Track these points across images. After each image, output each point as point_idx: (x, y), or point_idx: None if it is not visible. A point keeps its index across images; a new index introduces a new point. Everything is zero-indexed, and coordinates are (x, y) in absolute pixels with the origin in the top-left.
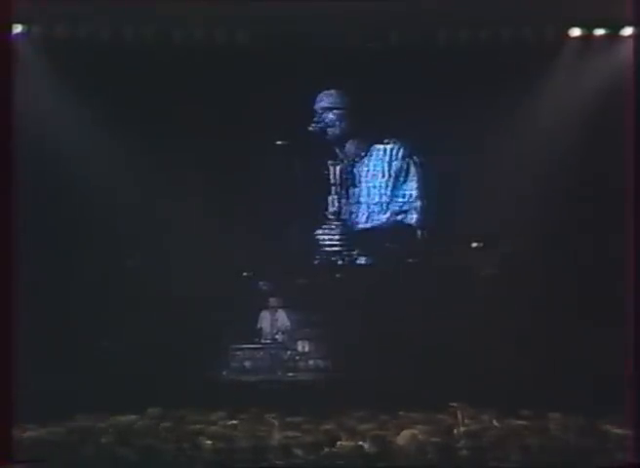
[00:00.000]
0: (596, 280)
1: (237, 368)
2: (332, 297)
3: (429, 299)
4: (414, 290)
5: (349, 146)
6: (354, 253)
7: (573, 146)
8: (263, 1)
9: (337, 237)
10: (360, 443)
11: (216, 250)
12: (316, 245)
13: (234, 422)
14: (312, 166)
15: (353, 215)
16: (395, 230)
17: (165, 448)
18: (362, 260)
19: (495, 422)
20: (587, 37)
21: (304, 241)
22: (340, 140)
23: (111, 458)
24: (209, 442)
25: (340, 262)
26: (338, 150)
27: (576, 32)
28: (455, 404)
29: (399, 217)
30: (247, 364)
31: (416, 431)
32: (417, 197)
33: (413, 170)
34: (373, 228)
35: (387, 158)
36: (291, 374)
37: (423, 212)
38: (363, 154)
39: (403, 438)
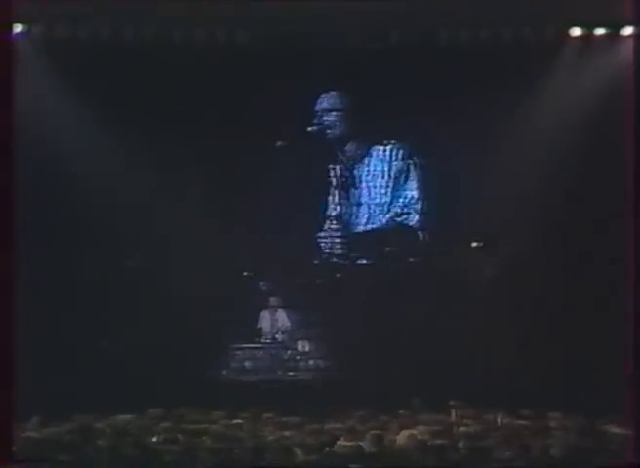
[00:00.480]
0: (596, 280)
1: (237, 367)
2: (332, 297)
3: (429, 300)
4: (414, 290)
5: (350, 147)
6: (354, 253)
7: (573, 146)
8: (264, 1)
9: (337, 237)
10: (360, 443)
11: (216, 250)
12: (316, 245)
13: (234, 422)
14: (313, 166)
15: (353, 216)
16: (395, 231)
17: (165, 448)
18: (362, 261)
19: (499, 421)
20: (588, 37)
21: (305, 241)
22: (341, 141)
23: (111, 458)
24: (209, 441)
25: (340, 263)
26: (338, 151)
27: (576, 32)
28: (452, 404)
29: (399, 218)
30: (247, 363)
31: (415, 431)
32: (417, 198)
33: (413, 170)
34: (373, 229)
35: (388, 159)
36: (291, 374)
37: (424, 212)
38: (363, 155)
39: (402, 438)
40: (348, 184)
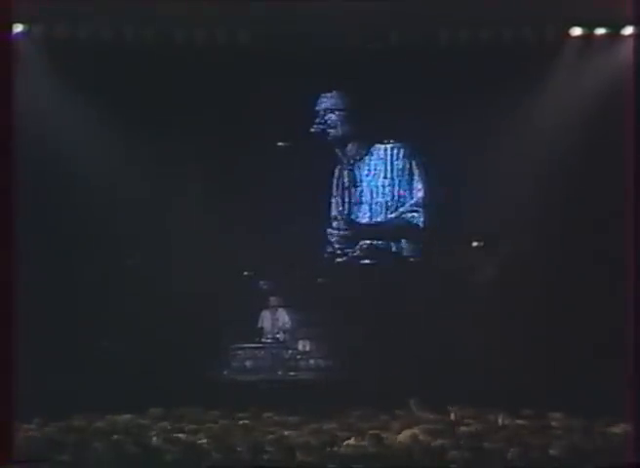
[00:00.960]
0: (597, 280)
1: (238, 367)
2: (333, 297)
3: (431, 299)
4: (415, 289)
5: (351, 147)
6: (355, 252)
7: (574, 146)
8: (264, 1)
9: (338, 237)
10: (361, 442)
11: (217, 249)
12: (317, 244)
13: (235, 421)
14: (314, 166)
15: (355, 216)
16: (397, 230)
17: (165, 448)
18: (363, 260)
19: (500, 420)
20: (588, 36)
21: (306, 241)
22: (342, 141)
23: (112, 458)
24: (209, 441)
25: (341, 262)
26: (339, 151)
27: (576, 32)
28: (452, 405)
29: (401, 218)
30: (248, 363)
31: (416, 431)
32: (418, 197)
33: (414, 170)
34: (375, 228)
35: (389, 158)
36: (292, 374)
37: (425, 212)
38: (364, 155)
39: (404, 437)
40: (349, 184)
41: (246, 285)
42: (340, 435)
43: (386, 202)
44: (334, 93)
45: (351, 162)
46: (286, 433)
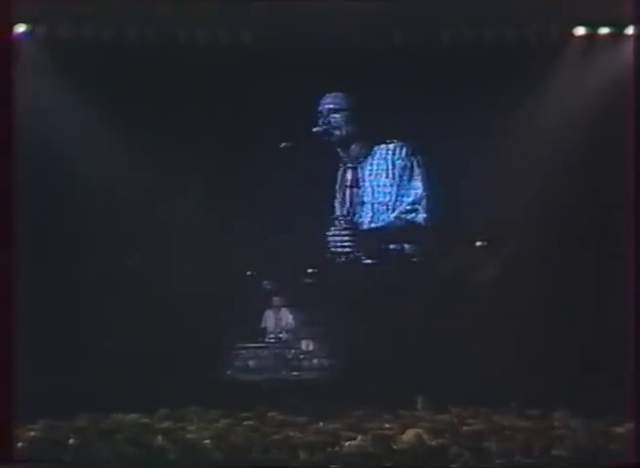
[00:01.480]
0: (600, 280)
1: (241, 367)
2: (336, 297)
3: (433, 299)
4: (418, 289)
5: (353, 147)
6: (358, 252)
7: (577, 146)
8: (267, 1)
9: (341, 237)
10: (364, 442)
11: (220, 249)
12: (321, 244)
13: (238, 421)
14: (316, 166)
15: (357, 216)
16: (399, 230)
17: (168, 448)
18: (366, 260)
19: (503, 420)
20: (592, 36)
21: (308, 240)
22: (345, 141)
23: (114, 458)
24: (213, 441)
25: (344, 262)
26: (342, 151)
27: (580, 31)
28: (452, 405)
29: (403, 217)
30: (251, 363)
31: (420, 430)
32: (421, 197)
33: (417, 170)
34: (377, 228)
35: (391, 158)
36: (295, 373)
37: (428, 211)
38: (367, 154)
39: (408, 437)
40: (352, 184)
41: (249, 285)
42: (343, 435)
43: (388, 202)
44: (336, 93)
45: (353, 162)
46: (289, 433)
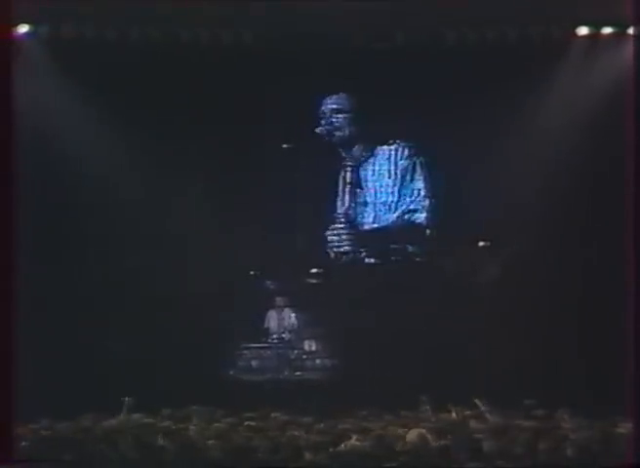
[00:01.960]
0: (603, 279)
1: (244, 367)
2: (339, 297)
3: (436, 299)
4: (421, 289)
5: (356, 147)
6: (361, 252)
7: (580, 146)
8: (269, 2)
9: (344, 237)
10: (368, 442)
11: (223, 249)
12: (323, 244)
13: (241, 421)
14: (319, 166)
15: (360, 216)
16: (402, 230)
17: (171, 448)
18: (369, 260)
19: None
20: (595, 36)
21: (311, 240)
22: (347, 142)
23: (117, 458)
24: (215, 441)
25: (346, 262)
26: (344, 151)
27: (583, 31)
28: (456, 405)
29: (406, 217)
30: (254, 363)
31: (424, 430)
32: (423, 197)
33: (419, 170)
34: (380, 228)
35: (393, 158)
36: (298, 373)
37: (430, 211)
38: (369, 155)
39: (412, 437)
40: (355, 184)
41: (252, 285)
42: (346, 435)
43: (392, 201)
44: (340, 94)
45: (356, 162)
46: (292, 433)
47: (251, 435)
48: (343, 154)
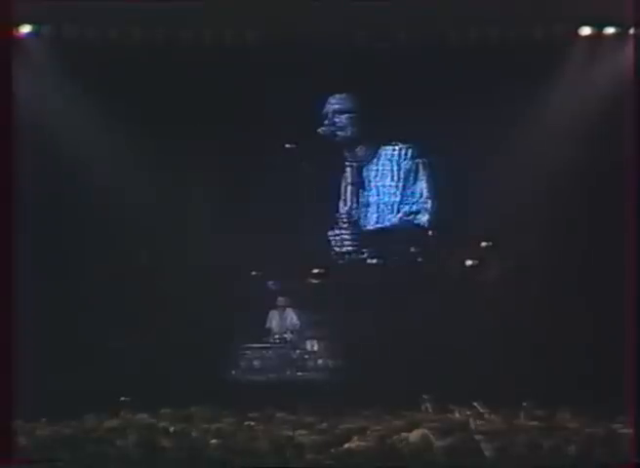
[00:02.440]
0: (602, 281)
1: (246, 367)
2: (341, 297)
3: (438, 299)
4: (423, 289)
5: (359, 148)
6: (364, 253)
7: (583, 146)
8: (274, 2)
9: (346, 237)
10: (370, 442)
11: (225, 249)
12: (326, 245)
13: (244, 421)
14: (322, 167)
15: (363, 216)
16: (405, 230)
17: (173, 447)
18: (372, 260)
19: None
20: (596, 36)
21: (314, 241)
22: (350, 142)
23: (120, 457)
24: (217, 441)
25: (349, 262)
26: (348, 152)
27: (585, 31)
28: (459, 405)
29: (409, 218)
30: (256, 363)
31: (427, 430)
32: (426, 197)
33: (422, 170)
34: (382, 228)
35: (397, 159)
36: (300, 374)
37: (433, 212)
38: (372, 156)
39: (415, 437)
40: (358, 184)
41: (254, 285)
42: (348, 435)
43: (395, 202)
44: (343, 95)
45: (359, 163)
46: (294, 433)
47: (253, 435)
48: (347, 155)
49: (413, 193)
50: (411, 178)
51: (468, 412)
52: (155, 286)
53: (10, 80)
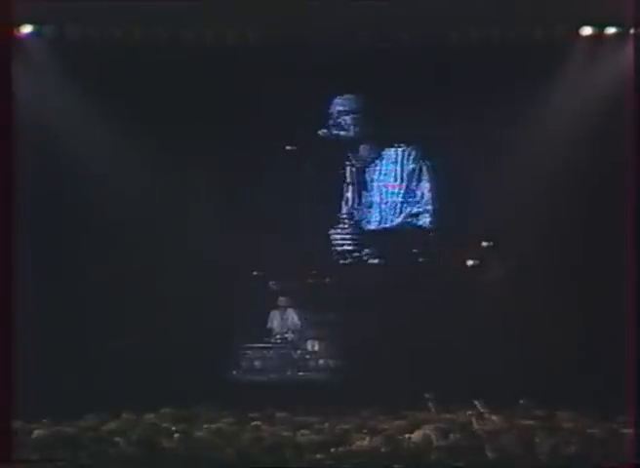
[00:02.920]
0: (602, 281)
1: (247, 367)
2: (342, 297)
3: (440, 299)
4: (424, 289)
5: (362, 149)
6: (366, 253)
7: (584, 146)
8: (276, 2)
9: (348, 237)
10: (371, 442)
11: (227, 249)
12: (327, 245)
13: (244, 421)
14: (325, 167)
15: (365, 217)
16: (407, 231)
17: (174, 447)
18: (373, 261)
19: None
20: (597, 36)
21: (316, 241)
22: (353, 143)
23: (121, 457)
24: (218, 441)
25: (350, 262)
26: (350, 153)
27: (586, 31)
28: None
29: (411, 219)
30: (257, 363)
31: (429, 430)
32: (429, 198)
33: (425, 172)
34: (385, 229)
35: (400, 160)
36: (301, 374)
37: (435, 213)
38: (376, 157)
39: (417, 437)
40: (360, 185)
41: (255, 285)
42: (349, 435)
43: (396, 204)
44: (346, 96)
45: (363, 163)
46: (295, 432)
47: (254, 435)
48: (350, 155)
49: (415, 194)
50: (414, 180)
51: (469, 412)
52: (155, 286)
53: (10, 80)
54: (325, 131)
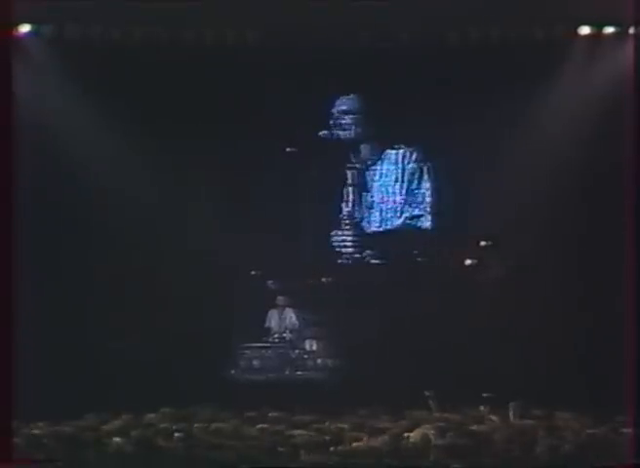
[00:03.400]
0: (602, 281)
1: (246, 366)
2: (341, 297)
3: (439, 300)
4: (424, 290)
5: (362, 150)
6: (365, 253)
7: (583, 145)
8: (277, 2)
9: (348, 238)
10: (370, 442)
11: (226, 249)
12: (327, 245)
13: (243, 421)
14: (325, 168)
15: (365, 218)
16: (407, 232)
17: (173, 447)
18: (373, 261)
19: (511, 415)
20: (596, 35)
21: (315, 241)
22: (354, 144)
23: (121, 457)
24: (217, 440)
25: (349, 262)
26: (351, 154)
27: (585, 31)
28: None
29: (411, 220)
30: (255, 362)
31: (427, 429)
32: (429, 199)
33: (425, 173)
34: (385, 230)
35: (400, 161)
36: (299, 373)
37: (435, 214)
38: (377, 158)
39: (415, 436)
40: (361, 186)
41: (253, 284)
42: (347, 434)
43: (396, 205)
44: (347, 97)
45: (363, 164)
46: (293, 432)
47: (252, 434)
48: (351, 156)
49: (416, 195)
50: (414, 181)
51: (469, 412)
52: (155, 286)
53: (10, 80)
54: (325, 131)
